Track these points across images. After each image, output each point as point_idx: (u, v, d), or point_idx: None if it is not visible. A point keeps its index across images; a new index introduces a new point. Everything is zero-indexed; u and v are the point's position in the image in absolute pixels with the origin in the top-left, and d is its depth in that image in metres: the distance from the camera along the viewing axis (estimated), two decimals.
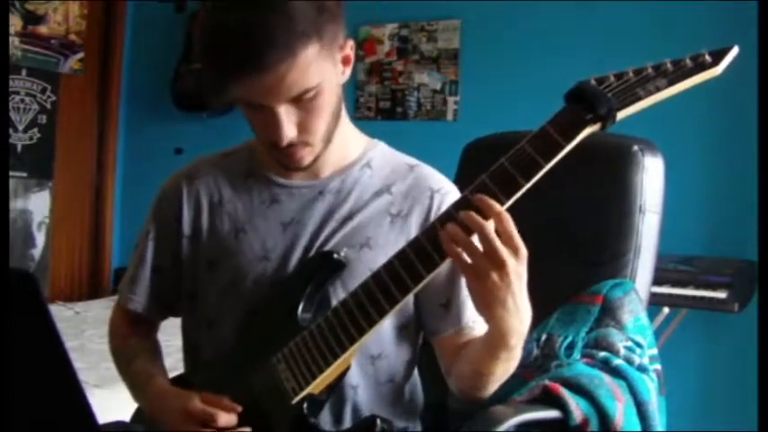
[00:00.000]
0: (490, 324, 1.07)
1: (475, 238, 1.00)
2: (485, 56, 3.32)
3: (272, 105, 1.10)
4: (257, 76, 1.06)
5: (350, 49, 1.18)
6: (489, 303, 1.02)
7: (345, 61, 1.18)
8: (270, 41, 1.04)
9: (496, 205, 0.98)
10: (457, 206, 1.02)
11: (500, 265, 0.98)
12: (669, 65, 0.99)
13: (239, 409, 1.13)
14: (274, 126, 1.12)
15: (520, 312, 1.03)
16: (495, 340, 1.08)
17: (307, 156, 1.18)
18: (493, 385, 1.18)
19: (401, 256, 1.06)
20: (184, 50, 3.89)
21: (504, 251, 0.98)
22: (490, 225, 0.98)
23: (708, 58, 0.97)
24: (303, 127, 1.14)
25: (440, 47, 3.45)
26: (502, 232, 0.98)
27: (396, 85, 3.57)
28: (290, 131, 1.12)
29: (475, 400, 1.21)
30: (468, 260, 1.00)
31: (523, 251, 0.99)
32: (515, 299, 1.01)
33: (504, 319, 1.03)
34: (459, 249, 1.00)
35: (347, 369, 1.15)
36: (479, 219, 0.99)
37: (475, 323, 1.23)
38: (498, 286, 1.00)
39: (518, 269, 1.00)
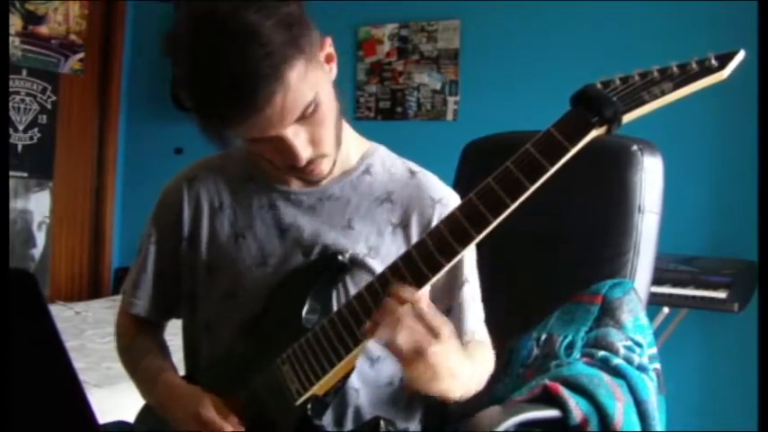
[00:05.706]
0: None
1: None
2: (485, 56, 3.33)
3: (279, 133, 1.09)
4: (258, 114, 1.04)
5: (329, 46, 1.16)
6: (410, 367, 1.04)
7: (329, 60, 1.16)
8: (259, 78, 1.02)
9: (409, 295, 1.00)
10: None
11: (418, 347, 0.99)
12: (675, 68, 0.97)
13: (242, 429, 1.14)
14: (288, 150, 1.11)
15: (449, 383, 1.05)
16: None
17: (326, 166, 1.18)
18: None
19: (405, 257, 1.05)
20: None
21: (422, 333, 0.99)
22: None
23: (714, 62, 0.95)
24: (315, 141, 1.13)
25: (440, 47, 3.45)
26: (418, 317, 1.00)
27: (396, 86, 3.57)
28: (305, 151, 1.12)
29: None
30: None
31: (443, 333, 1.00)
32: (439, 371, 1.02)
33: (427, 384, 1.05)
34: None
35: (351, 370, 1.15)
36: (396, 303, 1.00)
37: (473, 333, 1.25)
38: (420, 362, 1.01)
39: (436, 349, 1.00)
